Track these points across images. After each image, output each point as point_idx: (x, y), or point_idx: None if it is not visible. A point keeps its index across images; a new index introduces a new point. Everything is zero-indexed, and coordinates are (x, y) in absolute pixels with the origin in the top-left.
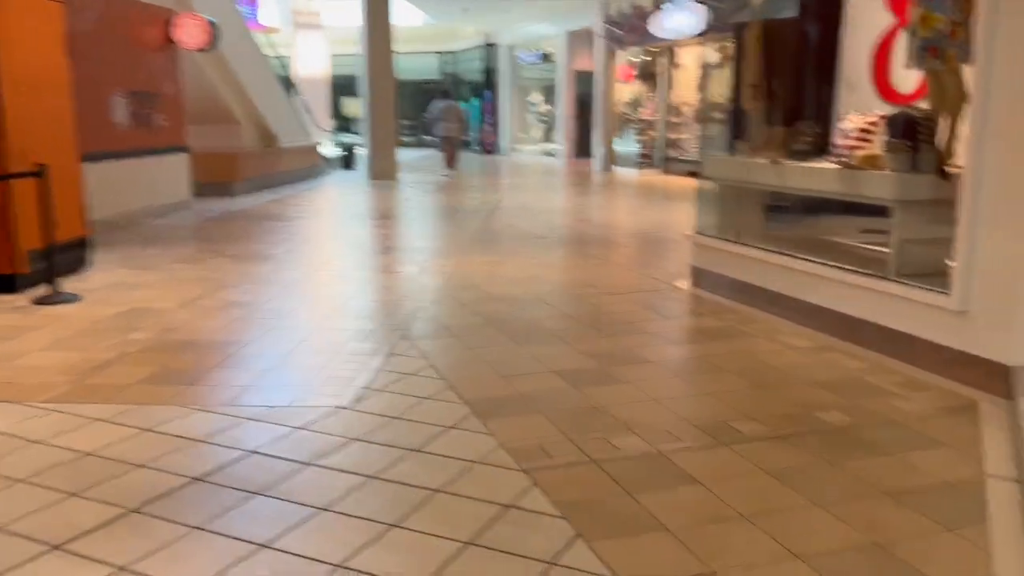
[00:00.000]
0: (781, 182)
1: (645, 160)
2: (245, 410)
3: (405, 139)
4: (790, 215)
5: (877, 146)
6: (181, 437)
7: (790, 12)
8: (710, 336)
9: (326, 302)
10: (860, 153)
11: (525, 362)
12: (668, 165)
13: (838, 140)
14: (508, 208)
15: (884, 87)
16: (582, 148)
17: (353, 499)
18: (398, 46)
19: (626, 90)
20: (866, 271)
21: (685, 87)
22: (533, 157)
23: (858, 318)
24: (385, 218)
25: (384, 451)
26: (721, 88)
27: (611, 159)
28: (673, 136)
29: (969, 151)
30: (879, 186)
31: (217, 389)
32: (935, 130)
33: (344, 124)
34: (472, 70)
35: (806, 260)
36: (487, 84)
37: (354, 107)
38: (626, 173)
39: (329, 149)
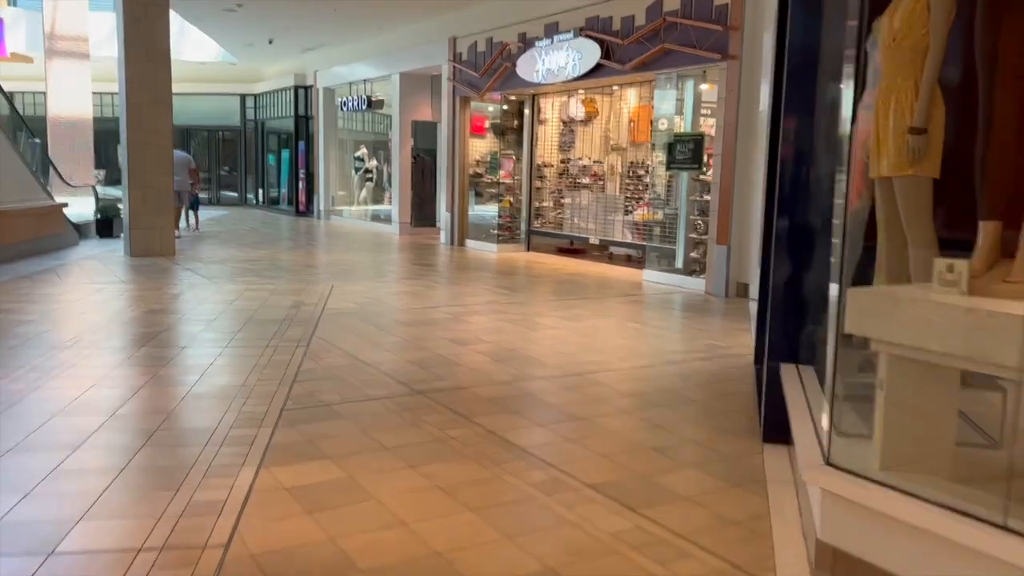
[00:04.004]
0: None
1: (505, 233)
2: None
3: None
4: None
5: None
6: None
7: None
8: None
9: None
10: None
11: None
12: (533, 240)
13: None
14: (338, 314)
15: None
16: (422, 215)
17: None
18: (185, 84)
19: (478, 147)
20: None
21: (549, 145)
22: (358, 222)
23: None
24: (145, 344)
25: None
26: (588, 148)
27: (463, 231)
28: (538, 204)
29: None
30: None
31: None
32: None
33: (117, 177)
34: (281, 116)
35: None
36: (300, 134)
37: None
38: (482, 248)
39: (86, 209)
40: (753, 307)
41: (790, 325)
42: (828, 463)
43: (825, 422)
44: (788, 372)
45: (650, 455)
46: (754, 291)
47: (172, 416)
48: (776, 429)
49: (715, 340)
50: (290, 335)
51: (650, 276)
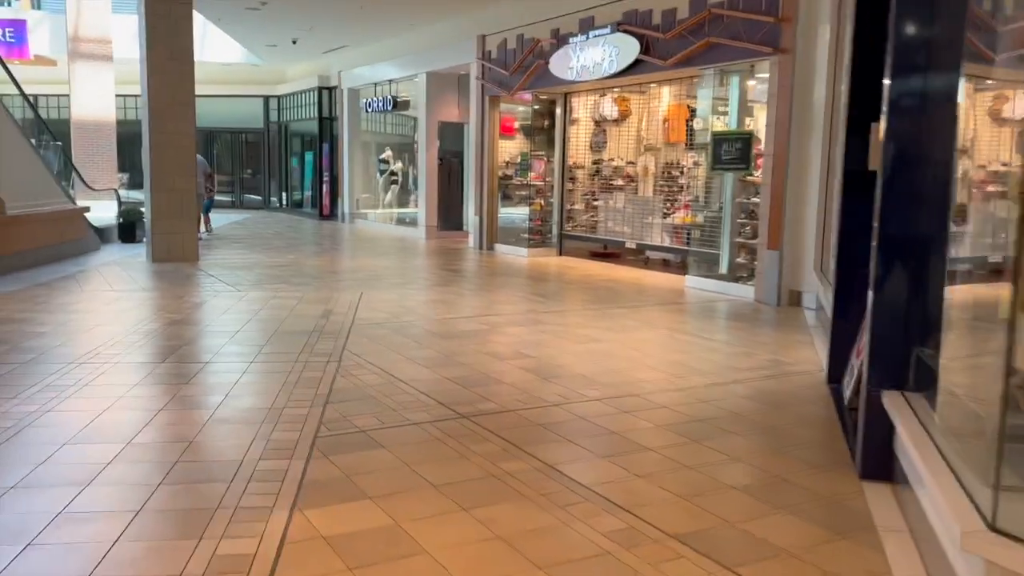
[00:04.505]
0: None
1: (536, 237)
2: None
3: (218, 199)
4: None
5: None
6: None
7: None
8: None
9: None
10: None
11: None
12: (565, 243)
13: None
14: (368, 324)
15: None
16: (449, 218)
17: None
18: (208, 86)
19: (508, 148)
20: None
21: (580, 146)
22: (383, 226)
23: None
24: (166, 359)
25: None
26: (621, 149)
27: (492, 234)
28: (569, 206)
29: None
30: None
31: None
32: None
33: (141, 180)
34: (305, 118)
35: None
36: (324, 136)
37: None
38: (512, 253)
39: (109, 212)
40: (811, 317)
41: (896, 347)
42: (994, 528)
43: (983, 476)
44: (895, 401)
45: (735, 496)
46: (809, 300)
47: (194, 445)
48: (877, 465)
49: (777, 355)
50: (320, 348)
51: (693, 282)
